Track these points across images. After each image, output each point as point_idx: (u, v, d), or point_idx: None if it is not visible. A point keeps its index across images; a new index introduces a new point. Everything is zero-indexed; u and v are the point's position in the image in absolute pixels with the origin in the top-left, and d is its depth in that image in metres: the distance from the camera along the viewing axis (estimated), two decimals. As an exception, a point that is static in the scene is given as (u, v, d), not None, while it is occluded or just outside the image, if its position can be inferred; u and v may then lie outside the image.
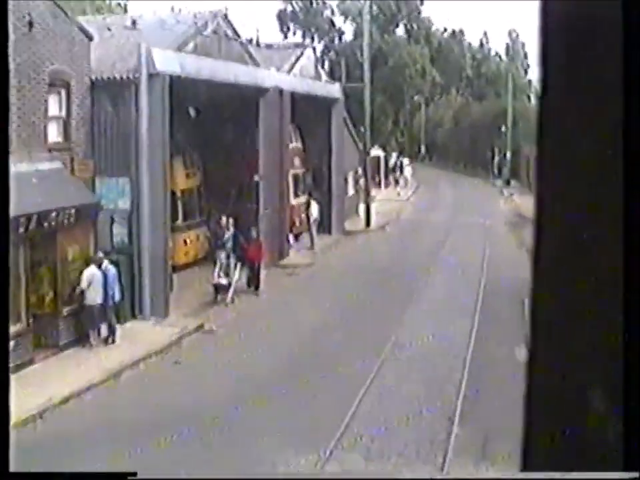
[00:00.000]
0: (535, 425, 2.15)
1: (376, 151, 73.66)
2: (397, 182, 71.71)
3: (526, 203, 64.45)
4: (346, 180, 49.33)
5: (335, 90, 45.33)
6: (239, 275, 29.31)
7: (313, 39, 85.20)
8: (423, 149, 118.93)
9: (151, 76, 25.39)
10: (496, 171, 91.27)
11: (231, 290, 28.35)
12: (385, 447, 16.11)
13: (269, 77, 34.56)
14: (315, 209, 40.63)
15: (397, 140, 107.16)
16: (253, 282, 30.05)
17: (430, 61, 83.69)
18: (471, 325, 25.25)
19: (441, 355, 22.09)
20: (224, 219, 31.25)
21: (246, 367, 21.01)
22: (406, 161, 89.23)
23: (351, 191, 50.58)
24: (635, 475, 2.22)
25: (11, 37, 20.02)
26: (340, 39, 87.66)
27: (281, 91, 35.35)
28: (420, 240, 43.87)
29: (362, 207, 50.69)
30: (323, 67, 44.84)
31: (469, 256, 38.29)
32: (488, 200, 67.77)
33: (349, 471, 15.20)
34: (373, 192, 67.79)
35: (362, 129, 71.89)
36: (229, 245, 30.77)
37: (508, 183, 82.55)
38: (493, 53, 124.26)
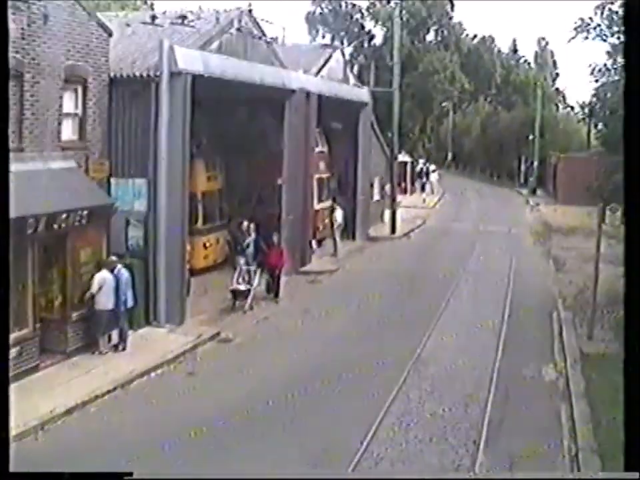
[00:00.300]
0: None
1: (403, 157, 72.72)
2: (423, 189, 70.67)
3: (551, 213, 63.48)
4: (372, 185, 48.38)
5: (363, 94, 44.41)
6: (258, 281, 28.39)
7: (342, 42, 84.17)
8: (449, 155, 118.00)
9: (172, 74, 24.47)
10: (522, 179, 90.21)
11: (250, 297, 27.44)
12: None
13: (295, 79, 33.65)
14: (339, 214, 39.74)
15: (424, 146, 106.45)
16: (273, 289, 29.13)
17: (459, 68, 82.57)
18: (497, 341, 24.23)
19: (466, 374, 21.06)
20: (245, 223, 30.40)
21: (260, 381, 20.07)
22: (432, 167, 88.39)
23: (376, 197, 49.64)
24: (635, 475, 4.58)
25: (25, 30, 19.31)
26: (369, 43, 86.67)
27: (307, 94, 34.45)
28: (445, 248, 42.92)
29: (387, 213, 49.73)
30: (352, 70, 43.73)
31: (495, 266, 37.30)
32: (514, 209, 66.79)
33: (349, 471, 14.78)
34: (399, 198, 67.00)
35: (389, 134, 71.43)
36: (250, 250, 29.95)
37: (534, 192, 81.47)
38: (521, 61, 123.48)
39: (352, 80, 44.43)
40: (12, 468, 7.53)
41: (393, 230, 46.71)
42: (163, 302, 24.50)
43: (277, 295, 28.94)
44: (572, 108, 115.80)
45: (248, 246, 29.92)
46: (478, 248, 42.78)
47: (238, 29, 29.91)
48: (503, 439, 16.66)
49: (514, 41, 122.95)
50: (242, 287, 27.60)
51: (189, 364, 21.40)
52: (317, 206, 39.28)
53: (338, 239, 39.27)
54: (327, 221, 39.96)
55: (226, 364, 21.81)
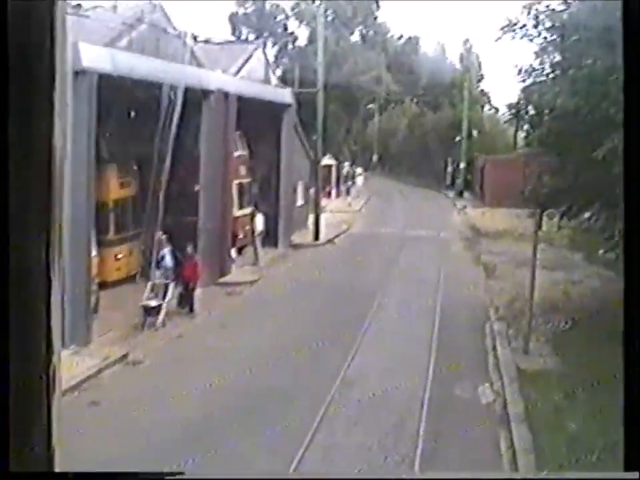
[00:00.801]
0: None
1: (328, 160, 71.28)
2: (348, 192, 69.19)
3: (479, 216, 62.38)
4: (295, 190, 46.72)
5: (286, 95, 42.66)
6: (171, 295, 26.46)
7: (265, 44, 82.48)
8: (375, 158, 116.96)
9: (76, 73, 22.48)
10: (449, 181, 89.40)
11: (162, 313, 25.53)
12: None
13: (213, 79, 31.81)
14: (259, 221, 37.93)
15: (350, 149, 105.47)
16: (187, 303, 27.23)
17: (385, 69, 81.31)
18: (428, 358, 22.60)
19: (395, 398, 19.35)
20: (159, 233, 28.44)
21: (169, 409, 18.17)
22: (358, 170, 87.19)
23: (299, 202, 47.95)
24: (635, 475, 2.66)
25: None
26: (294, 44, 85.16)
27: (226, 95, 32.64)
28: (371, 255, 41.32)
29: (311, 219, 48.12)
30: (274, 71, 42.02)
31: (423, 274, 35.84)
32: (441, 212, 65.62)
33: (348, 472, 14.82)
34: (324, 202, 65.30)
35: (314, 137, 69.89)
36: (166, 262, 28.04)
37: (461, 194, 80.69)
38: (447, 62, 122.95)
39: (274, 80, 42.58)
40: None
41: (317, 236, 45.02)
42: (67, 320, 22.45)
43: (191, 309, 27.07)
44: (497, 110, 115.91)
45: (163, 258, 27.99)
46: (405, 254, 41.36)
47: (151, 25, 27.99)
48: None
49: (439, 42, 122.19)
50: (153, 303, 25.64)
51: (93, 391, 19.42)
52: (237, 213, 37.53)
53: (259, 247, 37.51)
54: (247, 228, 38.15)
55: (134, 391, 19.84)
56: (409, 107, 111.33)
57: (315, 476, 8.19)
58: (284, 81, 77.55)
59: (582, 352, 22.37)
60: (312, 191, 51.23)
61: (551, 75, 30.83)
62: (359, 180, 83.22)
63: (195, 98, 30.99)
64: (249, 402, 18.59)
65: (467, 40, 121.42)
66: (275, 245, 41.93)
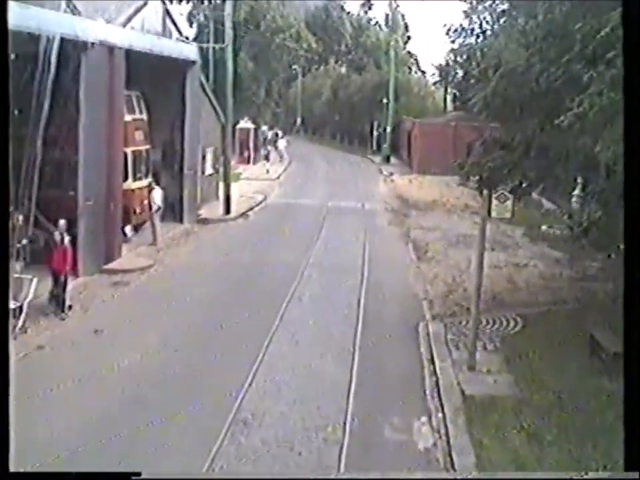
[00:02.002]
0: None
1: (245, 124, 66.37)
2: (267, 158, 64.11)
3: (407, 184, 57.92)
4: (204, 157, 41.71)
5: (189, 50, 37.49)
6: (33, 294, 21.43)
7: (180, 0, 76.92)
8: (298, 121, 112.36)
9: None
10: (375, 146, 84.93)
11: (22, 315, 20.53)
12: None
13: (92, 29, 26.59)
14: (157, 195, 32.88)
15: (273, 111, 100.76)
16: (57, 300, 22.24)
17: (306, 26, 76.19)
18: (348, 377, 17.91)
19: (303, 442, 14.53)
20: (17, 216, 23.27)
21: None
22: (279, 133, 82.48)
23: (208, 170, 42.88)
24: (635, 475, 3.90)
25: None
26: (210, 0, 79.42)
27: (111, 48, 27.52)
28: (288, 231, 36.50)
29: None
30: (175, 23, 36.72)
31: (345, 257, 31.25)
32: (366, 179, 61.05)
33: (348, 472, 13.33)
34: (240, 169, 60.60)
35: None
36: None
37: (387, 159, 76.42)
38: (372, 23, 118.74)
39: (175, 34, 37.25)
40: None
41: (228, 210, 40.05)
42: None
43: (62, 308, 22.07)
44: (423, 72, 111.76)
45: (25, 247, 22.99)
46: (325, 231, 36.67)
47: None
48: None
49: (363, 3, 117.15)
50: (11, 304, 20.57)
51: None
52: (132, 185, 32.55)
53: (157, 224, 32.53)
54: (146, 202, 33.10)
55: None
56: (333, 68, 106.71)
57: (316, 476, 10.42)
58: (200, 39, 72.58)
59: (541, 365, 18.02)
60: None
61: (495, 26, 26.56)
62: (281, 144, 78.32)
63: (75, 52, 25.94)
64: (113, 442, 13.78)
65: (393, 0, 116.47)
66: (180, 219, 37.08)
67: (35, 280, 21.45)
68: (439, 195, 51.15)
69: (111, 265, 27.62)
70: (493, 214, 18.81)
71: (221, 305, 23.60)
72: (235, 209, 40.99)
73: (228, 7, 40.86)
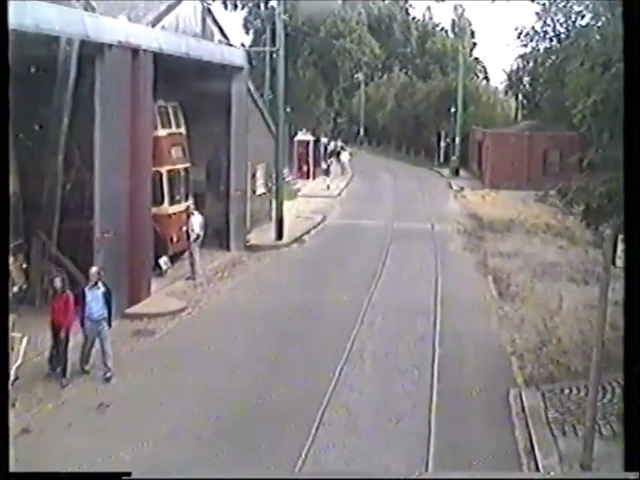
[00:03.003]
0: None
1: (304, 135, 62.05)
2: (327, 173, 59.32)
3: (479, 200, 52.88)
4: (254, 175, 37.39)
5: (235, 55, 33.16)
6: (23, 358, 17.07)
7: (235, 6, 73.04)
8: (361, 132, 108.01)
9: None
10: (442, 157, 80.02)
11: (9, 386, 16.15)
12: None
13: (109, 28, 22.29)
14: (196, 221, 28.46)
15: (335, 121, 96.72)
16: (59, 361, 17.89)
17: (369, 31, 71.58)
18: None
19: None
20: (11, 259, 18.94)
21: None
22: (340, 145, 78.32)
23: (260, 189, 38.51)
24: (635, 475, 4.29)
25: None
26: (266, 5, 75.24)
27: (134, 51, 23.26)
28: (348, 260, 31.83)
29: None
30: (217, 22, 32.25)
31: (414, 293, 26.58)
32: (435, 195, 56.19)
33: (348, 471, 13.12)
34: (299, 184, 56.25)
35: (284, 109, 60.64)
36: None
37: (457, 172, 71.42)
38: (438, 28, 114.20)
39: (217, 36, 32.64)
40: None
41: (280, 234, 35.52)
42: None
43: (64, 372, 17.71)
44: (487, 79, 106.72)
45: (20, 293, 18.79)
46: (391, 260, 31.97)
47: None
48: None
49: (428, 7, 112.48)
50: None
51: None
52: (169, 209, 28.42)
53: (196, 254, 28.13)
54: (185, 228, 28.78)
55: None
56: (397, 76, 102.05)
57: (315, 476, 11.71)
58: (256, 46, 68.42)
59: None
60: (284, 172, 42.06)
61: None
62: (344, 156, 73.91)
63: (88, 55, 21.76)
64: None
65: (460, 5, 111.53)
66: (227, 246, 32.82)
67: (25, 339, 17.10)
68: (515, 213, 46.21)
69: (135, 308, 23.26)
70: (618, 262, 13.94)
71: (260, 368, 19.02)
72: (289, 232, 36.54)
73: (279, 7, 36.49)
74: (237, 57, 33.02)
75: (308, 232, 38.22)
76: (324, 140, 66.21)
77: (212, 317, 23.50)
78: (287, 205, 43.94)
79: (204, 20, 30.93)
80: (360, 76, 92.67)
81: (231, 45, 33.89)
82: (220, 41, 32.50)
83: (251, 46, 70.36)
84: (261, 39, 66.69)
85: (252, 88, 37.37)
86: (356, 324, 22.44)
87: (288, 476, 12.46)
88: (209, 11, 31.70)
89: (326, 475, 12.57)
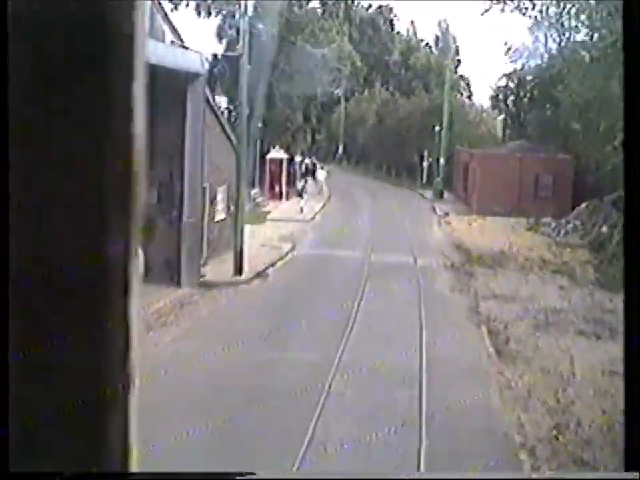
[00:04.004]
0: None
1: (277, 153, 57.44)
2: (300, 195, 54.42)
3: (466, 227, 48.24)
4: (214, 198, 32.75)
5: (191, 60, 28.48)
6: None
7: (209, 13, 68.82)
8: (340, 149, 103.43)
9: None
10: (425, 179, 75.49)
11: None
12: None
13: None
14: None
15: (314, 138, 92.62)
16: None
17: (350, 41, 67.23)
18: None
19: None
20: None
21: None
22: (319, 164, 73.86)
23: (220, 215, 33.82)
24: (635, 475, 2.73)
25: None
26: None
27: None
28: (315, 305, 26.85)
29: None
30: (169, 21, 27.68)
31: (394, 352, 21.75)
32: (417, 221, 51.45)
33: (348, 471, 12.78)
34: (269, 206, 51.67)
35: (259, 124, 56.15)
36: None
37: (441, 195, 66.81)
38: (422, 44, 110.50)
39: (169, 37, 27.80)
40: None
41: (240, 269, 30.77)
42: None
43: None
44: (470, 97, 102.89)
45: None
46: (366, 303, 27.09)
47: None
48: None
49: (412, 22, 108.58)
50: None
51: None
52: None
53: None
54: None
55: None
56: (379, 91, 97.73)
57: (315, 476, 11.05)
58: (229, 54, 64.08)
59: None
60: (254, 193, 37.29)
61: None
62: (321, 176, 69.50)
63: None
64: None
65: (444, 20, 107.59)
66: (178, 282, 28.14)
67: None
68: (506, 244, 41.71)
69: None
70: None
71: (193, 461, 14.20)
72: (252, 264, 31.89)
73: (244, 6, 31.91)
74: (192, 61, 28.33)
75: (273, 264, 33.50)
76: (298, 158, 61.37)
77: (139, 385, 18.63)
78: (253, 230, 39.44)
79: (152, 18, 26.17)
80: (340, 91, 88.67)
81: (185, 48, 29.08)
82: (172, 42, 27.80)
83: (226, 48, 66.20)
84: (234, 50, 62.36)
85: (213, 99, 32.78)
86: (320, 400, 17.66)
87: (288, 476, 10.49)
88: (160, 4, 26.96)
89: (326, 475, 11.33)
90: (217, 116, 33.12)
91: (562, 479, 10.34)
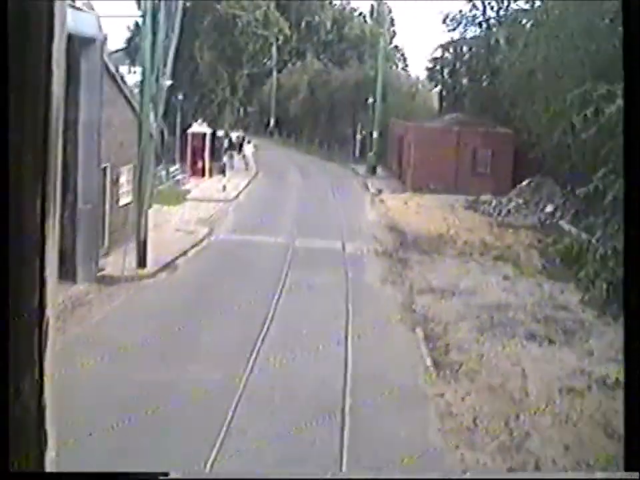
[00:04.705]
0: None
1: (200, 127, 53.69)
2: (223, 172, 50.38)
3: (401, 207, 44.93)
4: (117, 179, 29.06)
5: (85, 22, 24.63)
6: None
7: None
8: (272, 122, 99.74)
9: None
10: (358, 152, 72.05)
11: None
12: None
13: None
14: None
15: (246, 111, 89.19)
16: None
17: (277, 8, 63.36)
18: None
19: None
20: None
21: None
22: (246, 137, 70.32)
23: (125, 198, 30.09)
24: (635, 475, 2.67)
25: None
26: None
27: None
28: (226, 304, 23.19)
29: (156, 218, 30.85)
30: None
31: (313, 366, 18.35)
32: (349, 199, 48.14)
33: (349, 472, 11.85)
34: (190, 184, 48.01)
35: (179, 97, 52.55)
36: None
37: (374, 170, 63.50)
38: (356, 14, 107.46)
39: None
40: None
41: (143, 260, 27.08)
42: None
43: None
44: (404, 69, 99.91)
45: None
46: (285, 305, 23.53)
47: None
48: None
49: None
50: None
51: None
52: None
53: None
54: None
55: None
56: (311, 62, 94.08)
57: (316, 476, 10.19)
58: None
59: None
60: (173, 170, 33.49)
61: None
62: (248, 150, 65.89)
63: None
64: None
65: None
66: (73, 277, 24.43)
67: None
68: (444, 226, 38.59)
69: None
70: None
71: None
72: (161, 253, 28.31)
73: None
74: (85, 23, 24.50)
75: (185, 253, 29.86)
76: (220, 133, 57.26)
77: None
78: (169, 212, 36.03)
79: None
80: (272, 62, 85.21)
81: (76, 9, 25.14)
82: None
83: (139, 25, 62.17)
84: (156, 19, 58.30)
85: (114, 67, 29.02)
86: (220, 434, 14.22)
87: (288, 476, 8.62)
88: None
89: (326, 475, 9.46)
90: (120, 87, 29.33)
91: (562, 479, 9.07)
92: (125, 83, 30.78)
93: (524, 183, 45.88)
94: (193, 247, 31.10)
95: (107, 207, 27.99)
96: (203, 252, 30.88)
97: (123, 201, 29.56)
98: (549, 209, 42.37)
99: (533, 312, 23.34)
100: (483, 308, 23.56)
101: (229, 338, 19.93)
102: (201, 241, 32.43)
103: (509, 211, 43.23)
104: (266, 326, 20.97)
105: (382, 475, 10.92)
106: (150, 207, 38.02)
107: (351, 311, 22.89)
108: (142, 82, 26.91)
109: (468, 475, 12.52)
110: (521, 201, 44.17)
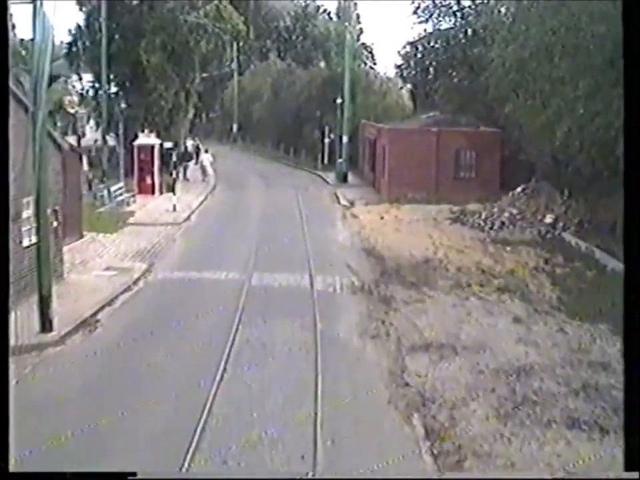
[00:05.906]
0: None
1: (147, 139, 47.53)
2: (173, 189, 43.79)
3: (377, 223, 38.67)
4: (19, 216, 22.83)
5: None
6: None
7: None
8: (235, 128, 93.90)
9: None
10: (326, 158, 65.85)
11: None
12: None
13: None
14: None
15: (208, 117, 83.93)
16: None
17: (230, 3, 57.18)
18: None
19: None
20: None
21: None
22: (202, 146, 64.48)
23: (28, 239, 23.62)
24: (635, 475, 3.39)
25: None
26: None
27: None
28: (156, 381, 17.12)
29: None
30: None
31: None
32: (317, 215, 42.05)
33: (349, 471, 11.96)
34: (136, 205, 41.90)
35: (122, 105, 46.46)
36: None
37: (344, 178, 57.46)
38: (320, 11, 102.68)
39: None
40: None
41: (47, 323, 20.66)
42: None
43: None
44: (372, 67, 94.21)
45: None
46: (232, 383, 17.11)
47: None
48: None
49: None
50: None
51: None
52: None
53: None
54: None
55: None
56: (275, 63, 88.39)
57: (316, 476, 11.11)
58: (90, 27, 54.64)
59: None
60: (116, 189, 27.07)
61: None
62: (205, 160, 59.78)
63: None
64: None
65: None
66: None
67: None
68: (430, 245, 32.78)
69: None
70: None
71: None
72: (78, 304, 22.23)
73: None
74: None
75: (111, 303, 23.50)
76: (168, 144, 50.70)
77: None
78: (105, 242, 30.14)
79: None
80: (233, 63, 79.66)
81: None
82: None
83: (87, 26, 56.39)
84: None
85: (15, 77, 22.85)
86: None
87: (287, 476, 11.10)
88: None
89: (326, 475, 11.11)
90: (20, 100, 22.98)
91: (562, 479, 10.45)
92: (23, 89, 24.45)
93: (518, 190, 39.87)
94: (123, 292, 24.82)
95: (9, 248, 21.73)
96: (135, 298, 24.58)
97: (26, 242, 23.23)
98: (549, 219, 36.46)
99: (565, 377, 17.36)
100: (498, 374, 17.55)
101: (156, 432, 13.72)
102: (136, 282, 26.17)
103: (502, 224, 37.16)
104: (205, 415, 14.80)
105: (379, 475, 11.74)
106: (80, 237, 32.03)
107: (321, 385, 16.75)
108: (34, 89, 20.41)
109: (468, 475, 12.33)
110: (515, 210, 38.15)
